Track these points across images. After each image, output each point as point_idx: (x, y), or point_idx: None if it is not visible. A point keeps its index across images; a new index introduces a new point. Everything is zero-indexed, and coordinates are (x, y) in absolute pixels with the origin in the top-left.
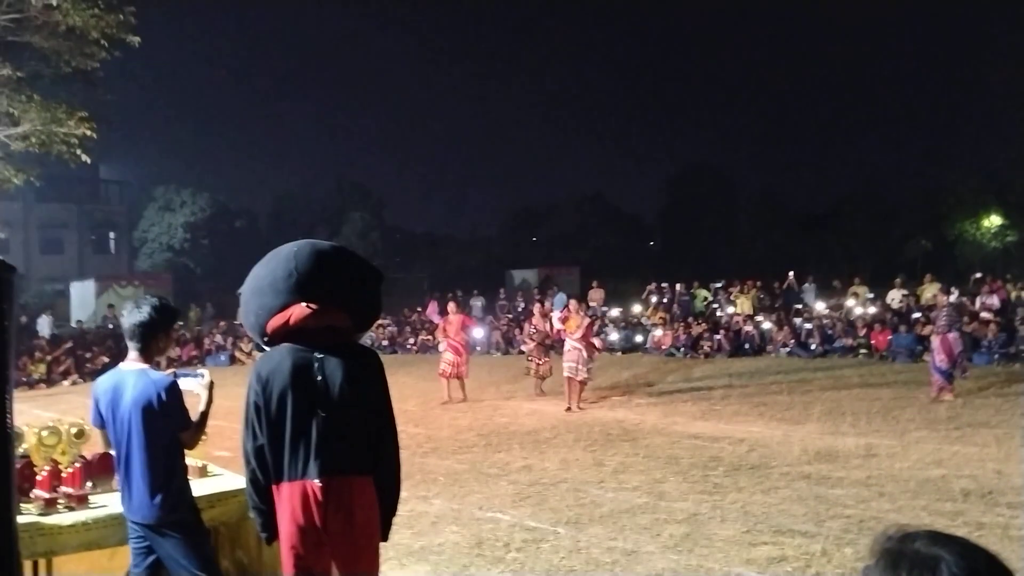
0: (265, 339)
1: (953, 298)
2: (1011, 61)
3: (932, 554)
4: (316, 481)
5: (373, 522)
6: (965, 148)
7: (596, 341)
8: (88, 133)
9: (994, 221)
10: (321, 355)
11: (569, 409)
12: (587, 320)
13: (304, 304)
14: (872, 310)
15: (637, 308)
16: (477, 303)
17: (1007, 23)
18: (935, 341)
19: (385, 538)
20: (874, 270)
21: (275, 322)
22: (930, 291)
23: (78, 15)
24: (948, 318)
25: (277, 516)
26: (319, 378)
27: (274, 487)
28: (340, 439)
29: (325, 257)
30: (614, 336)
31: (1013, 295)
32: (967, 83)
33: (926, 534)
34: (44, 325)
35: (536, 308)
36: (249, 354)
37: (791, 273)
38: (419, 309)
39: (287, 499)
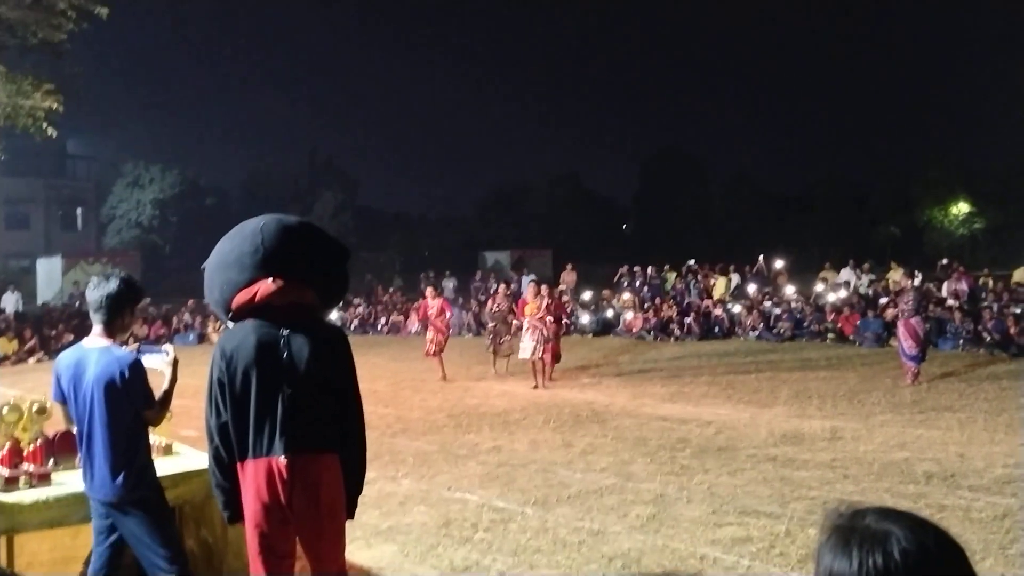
0: (230, 315)
1: (916, 282)
2: (981, 50)
3: (882, 529)
4: (281, 458)
5: (339, 500)
6: (935, 135)
7: (554, 322)
8: (54, 106)
9: (962, 208)
10: (287, 332)
11: (536, 387)
12: (547, 302)
13: (270, 279)
14: (843, 293)
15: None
16: (449, 284)
17: (978, 13)
18: (900, 327)
19: (351, 516)
20: (844, 254)
21: (240, 298)
22: (895, 276)
23: None
24: (913, 303)
25: (241, 495)
26: (284, 355)
27: (238, 465)
28: (305, 416)
29: (292, 232)
30: (585, 319)
31: (981, 281)
32: (939, 71)
33: (876, 510)
34: (9, 302)
35: (501, 288)
36: (219, 331)
37: (761, 256)
38: (391, 290)
39: (251, 477)
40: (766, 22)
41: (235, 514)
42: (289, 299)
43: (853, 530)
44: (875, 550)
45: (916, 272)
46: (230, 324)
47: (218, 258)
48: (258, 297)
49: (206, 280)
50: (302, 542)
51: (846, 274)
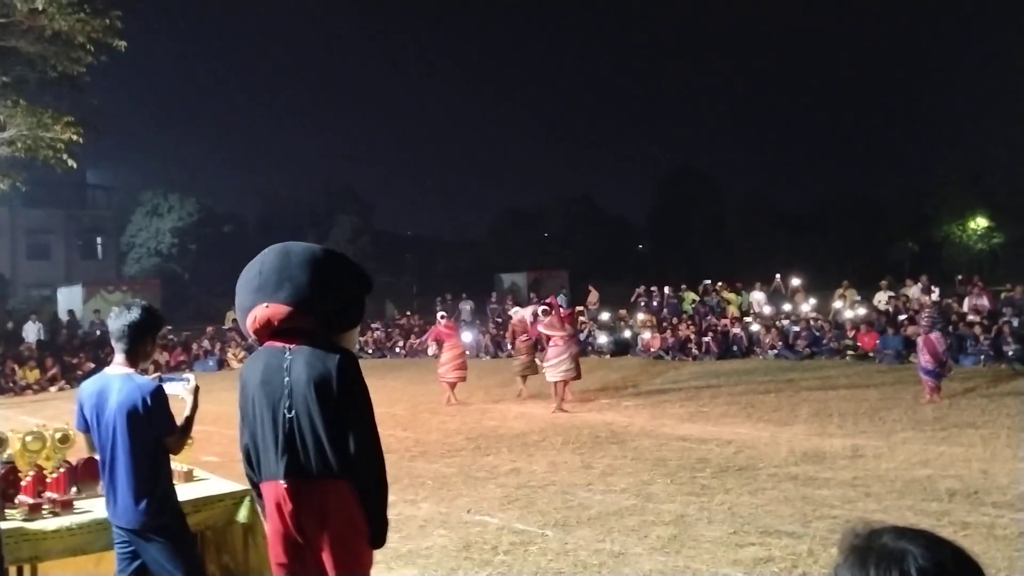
0: (252, 338)
1: (935, 297)
2: (996, 64)
3: (899, 548)
4: (282, 482)
5: (353, 527)
6: (950, 151)
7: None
8: (74, 138)
9: (980, 223)
10: (290, 356)
11: (561, 410)
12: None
13: (264, 304)
14: (861, 311)
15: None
16: (466, 307)
17: (992, 26)
18: (919, 342)
19: (377, 544)
20: (861, 272)
21: (247, 322)
22: (912, 292)
23: (64, 20)
24: (930, 318)
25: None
26: (285, 379)
27: (261, 486)
28: (306, 440)
29: (292, 258)
30: (603, 339)
31: (1003, 295)
32: (952, 85)
33: (892, 529)
34: (31, 331)
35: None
36: (240, 359)
37: (778, 276)
38: (408, 313)
39: (266, 499)
40: (777, 41)
41: None
42: (291, 324)
43: (870, 550)
44: (892, 569)
45: (934, 288)
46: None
47: (239, 283)
48: (257, 322)
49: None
50: (318, 569)
51: (880, 296)
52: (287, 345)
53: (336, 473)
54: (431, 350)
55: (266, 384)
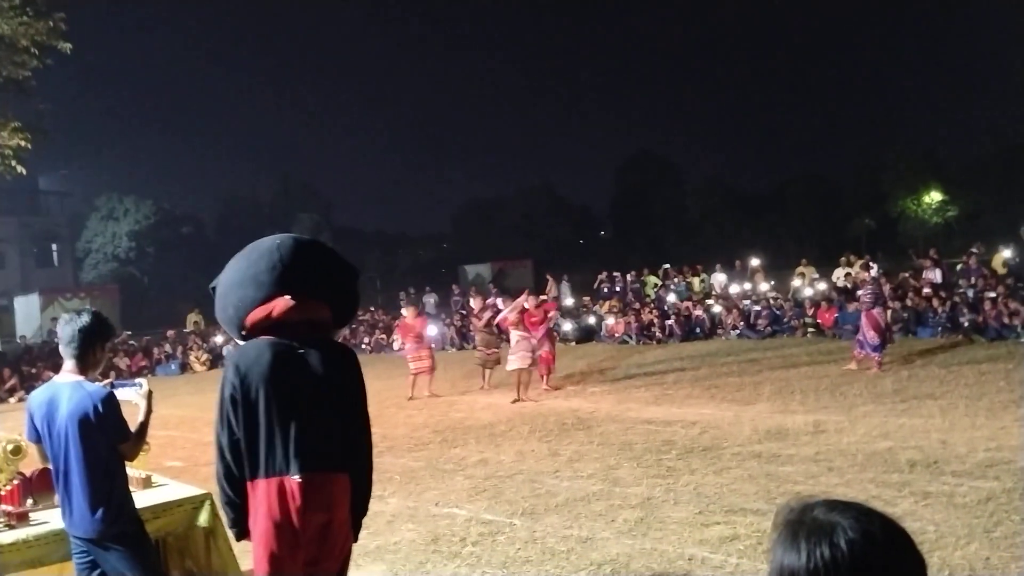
0: (243, 333)
1: (874, 273)
2: (945, 41)
3: (829, 521)
4: (296, 477)
5: (348, 521)
6: (903, 127)
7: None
8: (23, 144)
9: (934, 197)
10: (302, 349)
11: (521, 400)
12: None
13: (287, 297)
14: (821, 287)
15: (565, 291)
16: (430, 300)
17: (941, 3)
18: (862, 318)
19: (355, 539)
20: (820, 250)
21: (256, 315)
22: (855, 270)
23: (6, 23)
24: (873, 294)
25: (250, 514)
26: (300, 372)
27: (248, 483)
28: (320, 435)
29: (308, 250)
30: (567, 327)
31: (958, 267)
32: (903, 62)
33: (823, 503)
34: None
35: (477, 302)
36: (203, 362)
37: (737, 261)
38: (372, 309)
39: (263, 495)
40: (731, 26)
41: (243, 531)
42: (306, 316)
43: (802, 523)
44: (822, 542)
45: (872, 264)
46: (240, 342)
47: (234, 276)
48: (275, 314)
49: (218, 299)
50: (309, 563)
51: (838, 272)
52: (294, 339)
53: (342, 467)
54: (396, 345)
55: (278, 378)
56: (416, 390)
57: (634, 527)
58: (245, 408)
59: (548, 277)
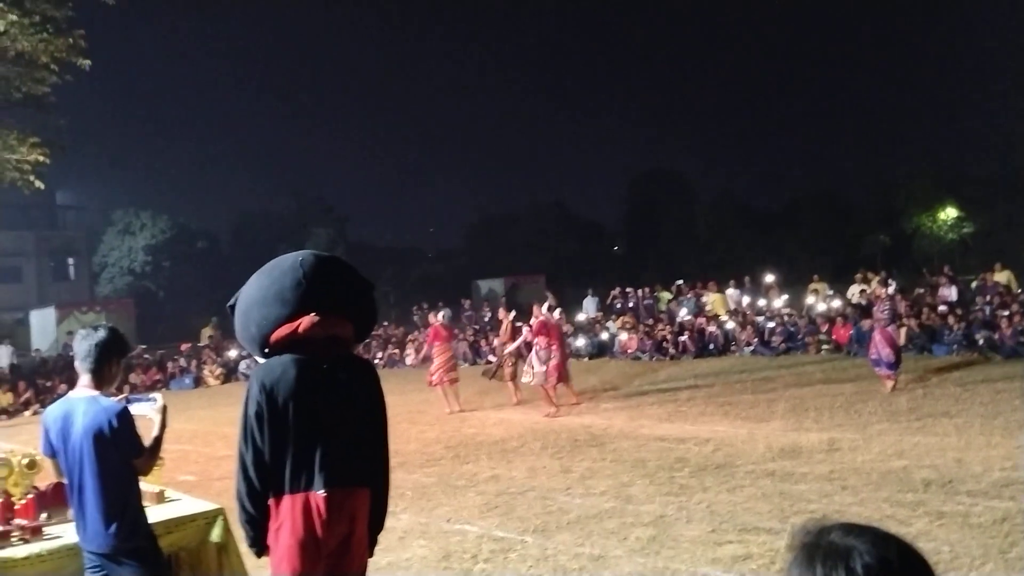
0: (266, 350)
1: (891, 291)
2: (960, 56)
3: (846, 544)
4: (321, 492)
5: (366, 536)
6: (917, 143)
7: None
8: (41, 159)
9: (950, 213)
10: (327, 365)
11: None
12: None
13: (313, 313)
14: (836, 304)
15: (589, 307)
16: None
17: (955, 20)
18: (876, 335)
19: (371, 554)
20: (835, 267)
21: (281, 332)
22: (873, 286)
23: (27, 40)
24: (890, 311)
25: (272, 530)
26: (325, 389)
27: (272, 500)
28: (345, 450)
29: (329, 266)
30: (580, 342)
31: (975, 284)
32: (917, 78)
33: (840, 526)
34: (3, 355)
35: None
36: (217, 376)
37: (747, 278)
38: (385, 323)
39: (287, 512)
40: (744, 42)
41: (263, 549)
42: (329, 332)
43: (818, 547)
44: (839, 566)
45: (890, 281)
46: (260, 360)
47: (256, 294)
48: (301, 330)
49: (238, 317)
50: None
51: (853, 289)
52: (318, 355)
53: (364, 482)
54: (409, 360)
55: (304, 394)
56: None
57: (646, 545)
58: (271, 424)
59: (547, 293)
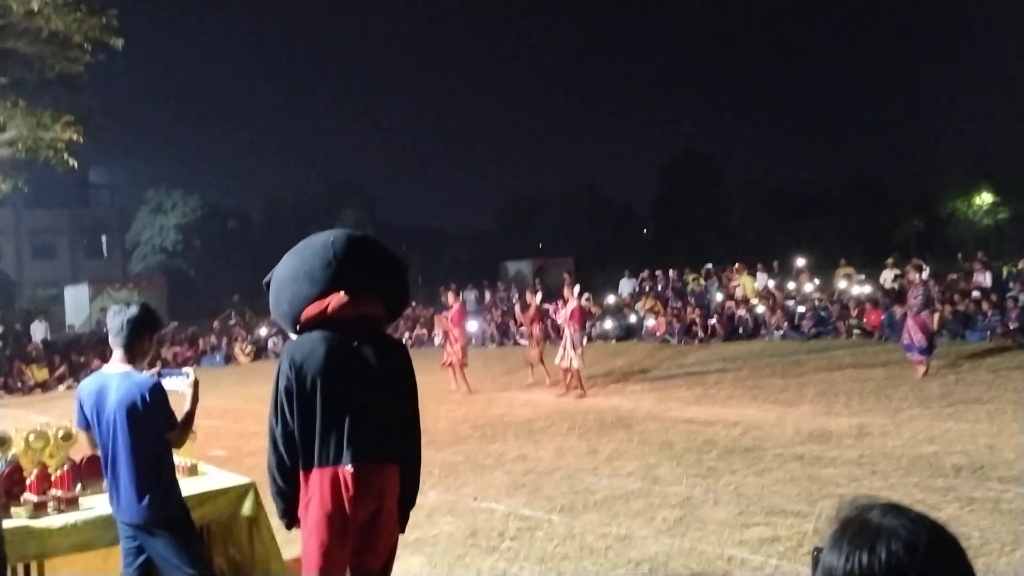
0: (298, 327)
1: (924, 276)
2: (996, 40)
3: (878, 525)
4: (348, 467)
5: (395, 512)
6: (952, 128)
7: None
8: (75, 137)
9: (985, 199)
10: (357, 343)
11: (566, 395)
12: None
13: (343, 292)
14: (867, 289)
15: (624, 288)
16: (470, 296)
17: (991, 3)
18: (909, 321)
19: (402, 530)
20: (866, 252)
21: (311, 310)
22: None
23: (60, 20)
24: (924, 296)
25: (302, 504)
26: (355, 365)
27: (301, 474)
28: (373, 426)
29: (361, 245)
30: (608, 325)
31: (1005, 271)
32: (953, 62)
33: (883, 506)
34: (38, 331)
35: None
36: (247, 354)
37: (775, 262)
38: (413, 304)
39: (316, 485)
40: (778, 24)
41: (293, 521)
42: (359, 311)
43: (851, 522)
44: (864, 547)
45: (924, 267)
46: (293, 336)
47: (288, 272)
48: (330, 309)
49: (272, 294)
50: (355, 554)
51: (886, 274)
52: (348, 333)
53: (393, 459)
54: (437, 340)
55: (334, 371)
56: (457, 381)
57: (673, 526)
58: (300, 400)
59: (565, 275)
